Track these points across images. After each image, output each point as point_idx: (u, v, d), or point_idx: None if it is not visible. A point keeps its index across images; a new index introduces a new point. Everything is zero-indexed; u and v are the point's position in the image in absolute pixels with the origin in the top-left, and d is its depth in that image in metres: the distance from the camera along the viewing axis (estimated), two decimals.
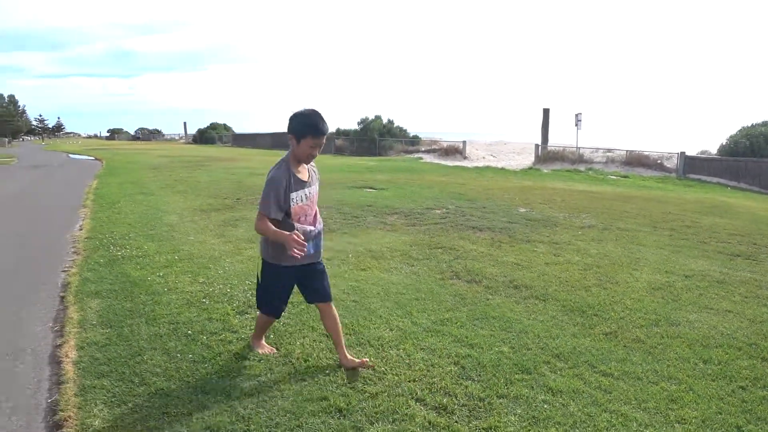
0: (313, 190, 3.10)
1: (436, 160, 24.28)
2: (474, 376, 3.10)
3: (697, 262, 6.26)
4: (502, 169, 21.18)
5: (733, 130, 24.07)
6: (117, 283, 4.77)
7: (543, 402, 2.85)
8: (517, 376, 3.12)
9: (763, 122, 22.74)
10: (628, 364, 3.38)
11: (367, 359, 3.23)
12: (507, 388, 2.97)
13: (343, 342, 3.24)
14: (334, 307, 3.27)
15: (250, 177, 13.75)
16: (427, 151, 26.51)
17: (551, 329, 3.89)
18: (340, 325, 3.27)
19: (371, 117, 33.31)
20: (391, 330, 3.72)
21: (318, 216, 3.19)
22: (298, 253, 2.77)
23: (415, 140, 31.69)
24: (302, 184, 2.99)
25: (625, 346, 3.67)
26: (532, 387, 3.00)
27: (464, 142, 26.58)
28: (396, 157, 25.96)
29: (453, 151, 25.80)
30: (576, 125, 27.14)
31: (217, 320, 3.84)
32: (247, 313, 3.97)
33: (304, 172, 3.04)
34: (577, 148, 26.04)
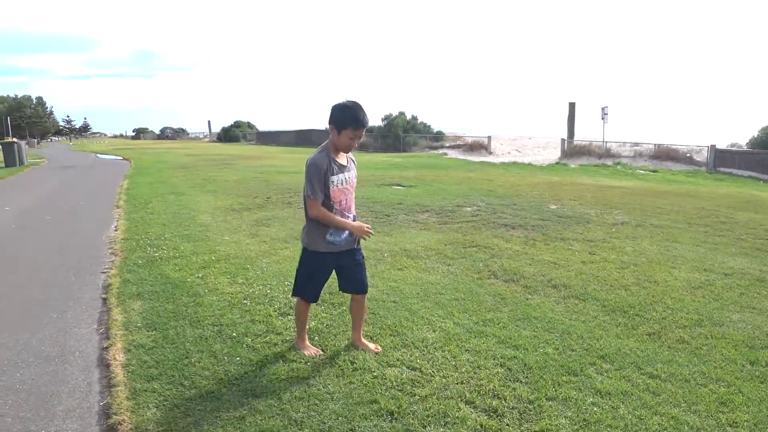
0: (352, 175, 3.25)
1: (461, 156, 24.21)
2: (521, 378, 3.12)
3: (736, 259, 6.17)
4: (529, 164, 21.02)
5: (766, 121, 23.55)
6: (157, 285, 4.88)
7: (592, 404, 2.86)
8: (564, 378, 3.13)
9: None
10: (675, 365, 3.36)
11: (380, 347, 3.49)
12: (555, 390, 2.98)
13: (362, 328, 3.54)
14: (366, 300, 3.50)
15: (278, 175, 13.90)
16: (452, 147, 26.44)
17: (594, 330, 3.89)
18: (366, 314, 3.57)
19: (395, 113, 33.26)
20: (434, 331, 3.76)
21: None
22: (366, 234, 3.19)
23: (439, 136, 31.61)
24: (342, 168, 3.15)
25: (669, 347, 3.65)
26: (580, 389, 3.01)
27: (489, 137, 26.45)
28: (421, 153, 25.95)
29: (478, 146, 25.69)
30: (602, 119, 26.78)
31: (260, 322, 3.92)
32: (289, 314, 4.04)
33: (342, 158, 3.20)
34: (603, 142, 25.72)
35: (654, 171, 20.44)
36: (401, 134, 31.52)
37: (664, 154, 24.23)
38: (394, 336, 3.65)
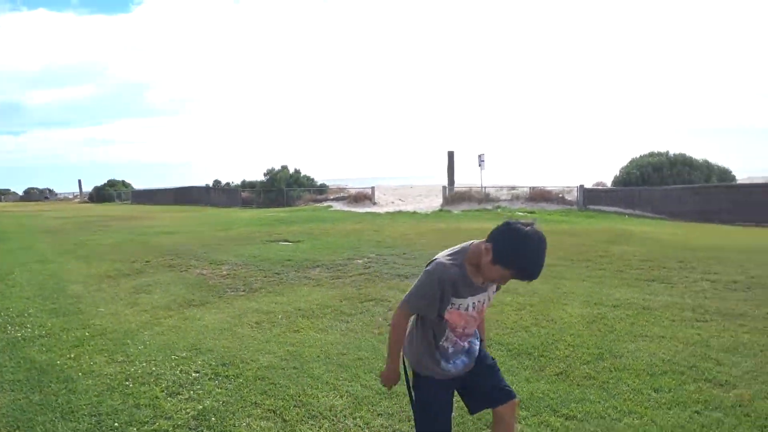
0: (485, 297, 2.39)
1: (346, 208, 24.37)
2: None
3: (620, 290, 6.61)
4: (414, 212, 21.60)
5: (624, 161, 26.36)
6: (21, 372, 4.22)
7: None
8: (484, 431, 3.05)
9: (649, 153, 25.10)
10: (587, 403, 3.43)
11: None
12: None
13: None
14: (516, 410, 2.65)
15: (157, 236, 13.03)
16: (336, 199, 26.58)
17: (504, 375, 3.88)
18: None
19: (277, 167, 33.29)
20: (342, 397, 3.55)
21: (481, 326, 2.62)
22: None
23: (323, 189, 31.84)
24: (475, 291, 2.32)
25: (579, 385, 3.73)
26: None
27: (373, 188, 26.99)
28: (305, 207, 25.79)
29: (362, 197, 26.06)
30: (479, 165, 28.46)
31: (145, 406, 3.46)
32: (179, 393, 3.62)
33: (479, 276, 2.30)
34: (482, 187, 27.22)
35: (531, 212, 21.89)
36: (285, 188, 31.44)
37: (538, 196, 26.10)
38: (299, 407, 3.39)
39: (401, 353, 2.48)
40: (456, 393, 2.56)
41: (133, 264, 8.75)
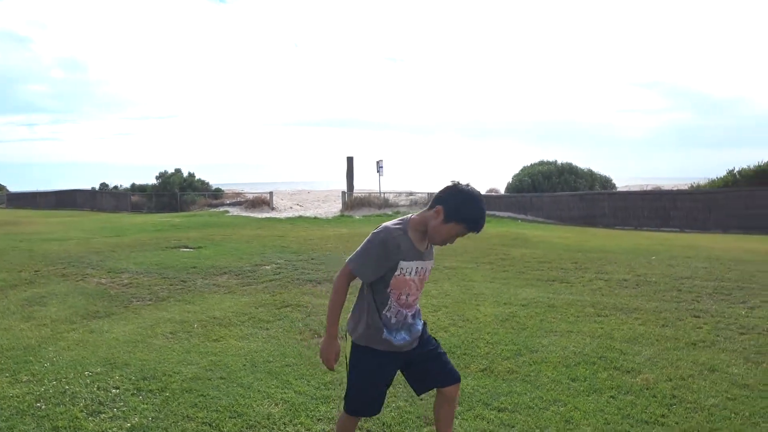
0: (429, 266, 2.51)
1: (244, 213, 23.78)
2: None
3: (525, 290, 7.04)
4: (315, 218, 21.55)
5: (516, 169, 27.98)
6: None
7: None
8: (426, 429, 3.16)
9: (539, 162, 26.83)
10: (515, 395, 3.65)
11: None
12: None
13: None
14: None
15: (44, 243, 11.91)
16: (233, 204, 25.85)
17: None
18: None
19: (170, 171, 31.95)
20: (278, 405, 3.50)
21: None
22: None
23: (218, 193, 30.90)
24: (419, 255, 2.43)
25: (503, 379, 3.95)
26: None
27: (271, 193, 26.56)
28: (201, 212, 24.82)
29: (260, 202, 25.56)
30: (378, 171, 28.96)
31: (65, 428, 3.19)
32: (101, 412, 3.38)
33: (423, 242, 2.45)
34: (381, 193, 27.70)
35: None
36: (178, 192, 30.15)
37: None
38: (235, 418, 3.30)
39: (351, 316, 2.51)
40: (403, 377, 2.66)
41: (21, 274, 8.00)
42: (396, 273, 2.38)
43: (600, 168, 27.73)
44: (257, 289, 7.06)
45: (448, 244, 2.42)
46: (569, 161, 26.58)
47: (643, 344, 4.73)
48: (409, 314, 2.50)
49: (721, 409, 3.42)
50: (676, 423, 3.26)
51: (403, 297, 2.44)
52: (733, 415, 3.35)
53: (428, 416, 3.29)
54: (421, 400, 3.53)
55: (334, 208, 28.07)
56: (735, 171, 22.29)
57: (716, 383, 3.84)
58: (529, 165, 27.22)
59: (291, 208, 27.30)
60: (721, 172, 23.05)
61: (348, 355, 2.53)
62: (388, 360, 2.50)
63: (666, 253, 10.73)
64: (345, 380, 2.58)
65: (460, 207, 2.34)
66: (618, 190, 26.70)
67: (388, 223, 2.43)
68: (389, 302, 2.43)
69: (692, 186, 24.17)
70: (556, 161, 26.45)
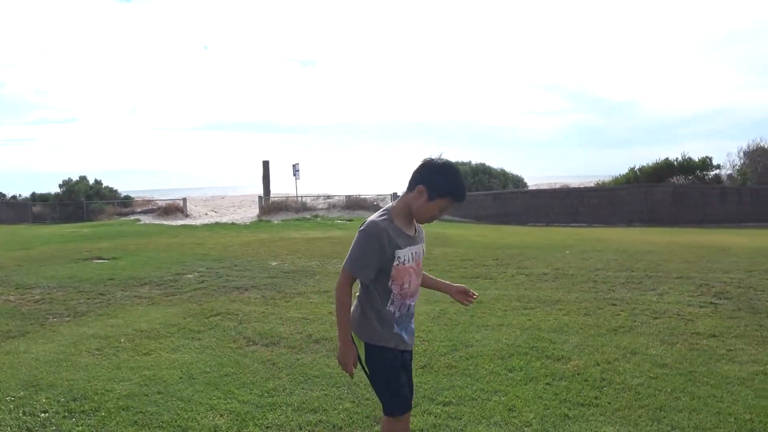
0: (421, 248, 2.50)
1: (157, 221, 22.78)
2: None
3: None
4: (233, 224, 21.02)
5: None
6: None
7: None
8: (376, 428, 3.19)
9: (455, 162, 27.56)
10: (458, 389, 3.76)
11: None
12: None
13: None
14: None
15: None
16: (144, 212, 24.67)
17: None
18: None
19: (75, 178, 30.04)
20: (222, 416, 3.41)
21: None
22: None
23: (127, 201, 29.35)
24: (410, 241, 2.41)
25: (444, 374, 4.07)
26: None
27: (184, 200, 25.61)
28: (110, 221, 23.49)
29: (173, 209, 24.57)
30: (294, 175, 28.68)
31: None
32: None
33: (411, 227, 2.45)
34: (299, 197, 27.44)
35: (350, 220, 22.64)
36: (84, 201, 28.40)
37: (354, 204, 27.08)
38: None
39: (358, 317, 2.45)
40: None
41: None
42: (395, 263, 2.35)
43: (512, 168, 28.86)
44: (182, 299, 6.83)
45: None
46: (482, 161, 27.56)
47: (569, 333, 5.02)
48: (412, 304, 2.51)
49: (646, 388, 3.71)
50: (608, 403, 3.50)
51: (406, 286, 2.42)
52: (657, 392, 3.64)
53: (377, 416, 3.33)
54: (368, 400, 3.58)
55: (251, 213, 27.50)
56: (636, 168, 24.01)
57: (639, 364, 4.15)
58: None
59: (206, 214, 26.48)
60: (623, 170, 24.76)
61: (364, 360, 2.46)
62: (398, 357, 2.49)
63: (578, 247, 11.38)
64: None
65: (441, 182, 2.34)
66: (529, 188, 27.98)
67: (373, 217, 2.39)
68: (392, 296, 2.41)
69: (598, 183, 25.76)
70: (470, 162, 27.32)
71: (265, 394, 3.74)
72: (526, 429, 3.18)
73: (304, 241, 13.70)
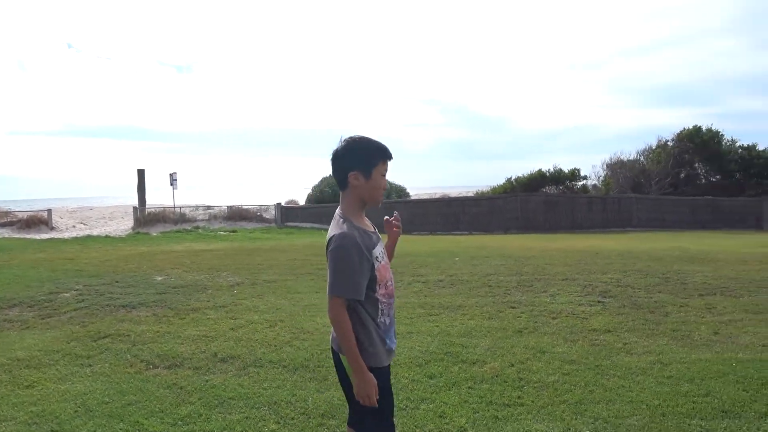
0: (382, 244, 2.35)
1: (18, 235, 20.40)
2: None
3: None
4: (107, 236, 19.42)
5: (316, 181, 28.40)
6: None
7: None
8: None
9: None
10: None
11: None
12: None
13: None
14: None
15: None
16: (2, 225, 22.00)
17: (295, 392, 3.87)
18: None
19: None
20: None
21: None
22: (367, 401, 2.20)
23: None
24: (375, 236, 2.29)
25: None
26: None
27: (49, 211, 23.24)
28: None
29: (36, 222, 22.15)
30: (171, 185, 27.19)
31: None
32: None
33: (366, 222, 2.33)
34: (177, 207, 26.05)
35: (233, 231, 21.84)
36: None
37: (237, 215, 26.21)
38: None
39: (346, 340, 2.19)
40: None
41: None
42: (376, 265, 2.21)
43: (395, 178, 29.42)
44: (62, 321, 6.11)
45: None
46: None
47: (478, 337, 5.11)
48: (393, 304, 2.35)
49: (562, 384, 3.86)
50: (531, 402, 3.58)
51: (390, 284, 2.30)
52: (573, 387, 3.80)
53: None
54: (293, 420, 3.38)
55: (125, 225, 25.67)
56: (512, 179, 25.55)
57: (549, 362, 4.31)
58: (328, 176, 27.91)
59: (74, 227, 24.27)
60: (500, 181, 26.23)
61: (354, 381, 2.23)
62: (389, 373, 2.39)
63: (465, 253, 11.77)
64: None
65: (362, 155, 2.23)
66: (412, 198, 28.70)
67: (336, 230, 2.20)
68: (380, 305, 2.25)
69: (477, 193, 27.03)
70: None
71: (179, 422, 3.41)
72: None
73: (188, 254, 12.97)
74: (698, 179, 26.87)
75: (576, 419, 3.31)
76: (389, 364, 2.36)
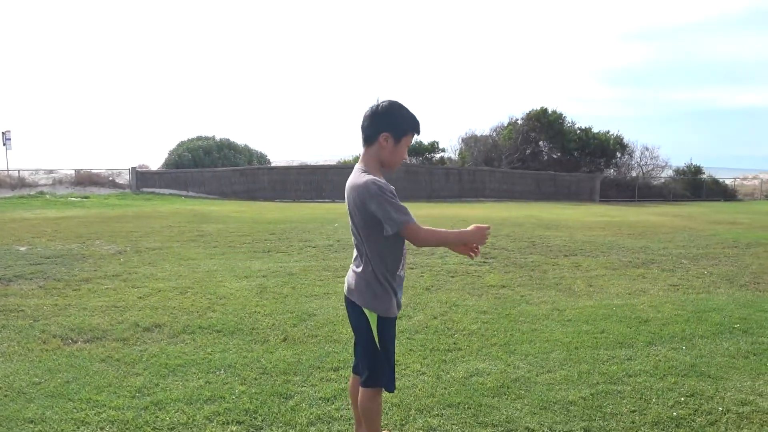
0: None
1: None
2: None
3: (254, 263, 6.99)
4: None
5: (173, 144, 26.46)
6: None
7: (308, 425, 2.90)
8: (290, 403, 3.00)
9: (197, 137, 25.92)
10: (335, 354, 3.74)
11: None
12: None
13: None
14: None
15: None
16: None
17: (245, 354, 3.77)
18: None
19: None
20: (103, 429, 2.78)
21: None
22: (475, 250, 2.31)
23: None
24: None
25: (312, 343, 3.97)
26: (294, 410, 2.98)
27: None
28: None
29: None
30: (4, 144, 23.74)
31: None
32: None
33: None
34: (11, 170, 22.87)
35: (86, 197, 19.76)
36: None
37: (86, 180, 23.67)
38: None
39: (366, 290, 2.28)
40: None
41: None
42: None
43: (255, 145, 28.53)
44: None
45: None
46: (227, 137, 26.61)
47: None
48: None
49: (485, 330, 4.22)
50: (467, 346, 3.91)
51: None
52: (495, 333, 4.20)
53: (282, 392, 3.12)
54: (255, 379, 3.32)
55: None
56: None
57: (466, 314, 4.67)
58: (186, 140, 26.16)
59: None
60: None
61: (376, 333, 2.29)
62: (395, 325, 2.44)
63: (342, 220, 11.95)
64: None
65: (401, 121, 2.25)
66: (275, 165, 28.08)
67: (364, 177, 2.20)
68: (402, 259, 2.32)
69: (339, 162, 27.18)
70: (214, 136, 26.08)
71: (137, 395, 3.15)
72: (420, 377, 3.35)
73: (45, 222, 11.56)
74: (542, 156, 29.48)
75: (510, 357, 3.68)
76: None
